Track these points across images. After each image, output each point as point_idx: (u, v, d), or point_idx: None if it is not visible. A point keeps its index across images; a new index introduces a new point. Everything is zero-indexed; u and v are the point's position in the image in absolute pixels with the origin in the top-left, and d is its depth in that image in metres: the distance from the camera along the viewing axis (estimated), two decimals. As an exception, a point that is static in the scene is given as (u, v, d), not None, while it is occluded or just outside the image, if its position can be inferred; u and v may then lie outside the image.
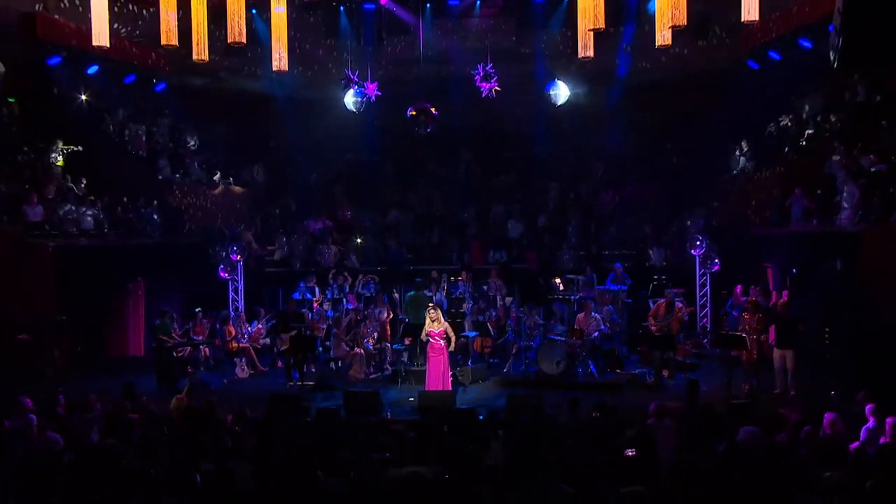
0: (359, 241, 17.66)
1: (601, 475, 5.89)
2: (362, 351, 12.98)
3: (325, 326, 13.74)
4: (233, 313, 14.19)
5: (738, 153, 16.54)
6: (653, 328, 12.50)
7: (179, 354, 12.97)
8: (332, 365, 13.84)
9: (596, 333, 12.77)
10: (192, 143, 17.72)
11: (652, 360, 12.35)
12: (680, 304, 12.81)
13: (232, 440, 7.44)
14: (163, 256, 15.09)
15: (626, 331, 13.63)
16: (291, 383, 12.54)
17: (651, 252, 16.56)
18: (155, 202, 15.66)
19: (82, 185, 14.36)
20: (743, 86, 15.62)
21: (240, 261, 15.70)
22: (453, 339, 11.18)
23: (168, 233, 15.66)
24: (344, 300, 14.64)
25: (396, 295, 15.13)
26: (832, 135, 14.05)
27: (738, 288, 13.75)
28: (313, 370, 13.41)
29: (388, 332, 13.92)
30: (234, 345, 13.48)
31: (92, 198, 14.27)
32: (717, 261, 14.85)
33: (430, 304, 11.92)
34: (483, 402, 11.06)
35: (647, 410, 8.04)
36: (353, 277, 15.41)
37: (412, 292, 13.61)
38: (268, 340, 14.11)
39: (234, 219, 17.73)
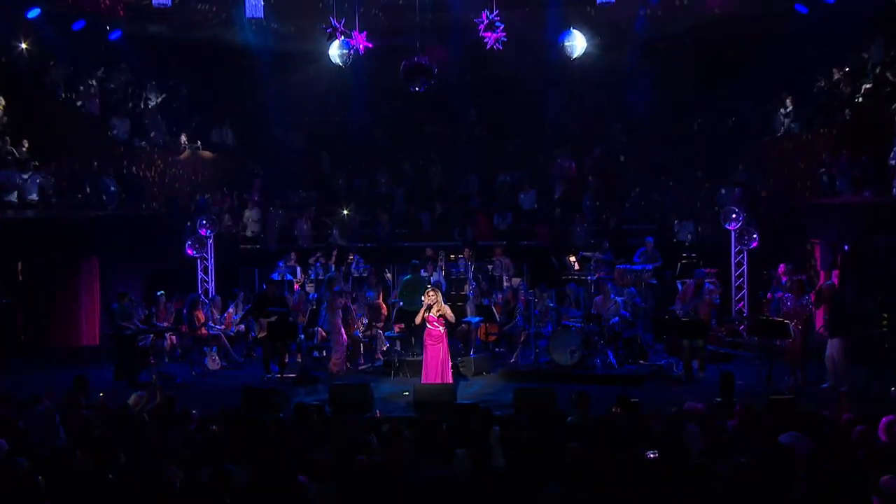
0: (345, 213, 17.61)
1: (619, 479, 5.90)
2: (346, 338, 13.00)
3: (307, 311, 13.74)
4: (203, 296, 14.16)
5: (781, 112, 16.42)
6: (680, 313, 12.50)
7: (141, 343, 12.97)
8: (317, 353, 13.89)
9: (616, 319, 12.76)
10: (153, 100, 17.56)
11: (680, 350, 12.35)
12: (711, 286, 12.79)
13: (203, 441, 7.43)
14: (120, 231, 15.02)
15: (651, 316, 13.63)
16: (269, 376, 12.56)
17: (679, 226, 16.52)
18: (110, 168, 15.55)
19: (23, 149, 14.08)
20: (788, 34, 15.35)
21: (210, 236, 15.66)
22: (452, 318, 11.19)
23: (126, 204, 15.58)
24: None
25: (388, 275, 15.11)
26: (895, 90, 13.85)
27: (781, 267, 13.73)
28: (298, 360, 13.46)
29: (384, 317, 13.93)
30: (204, 332, 13.48)
31: (36, 163, 13.99)
32: (755, 236, 14.80)
33: (429, 286, 11.90)
34: (487, 396, 11.12)
35: (674, 406, 8.01)
36: (338, 256, 15.38)
37: (408, 275, 13.56)
38: (242, 327, 14.13)
39: (203, 188, 17.67)
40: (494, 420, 8.01)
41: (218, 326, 13.80)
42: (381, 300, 14.25)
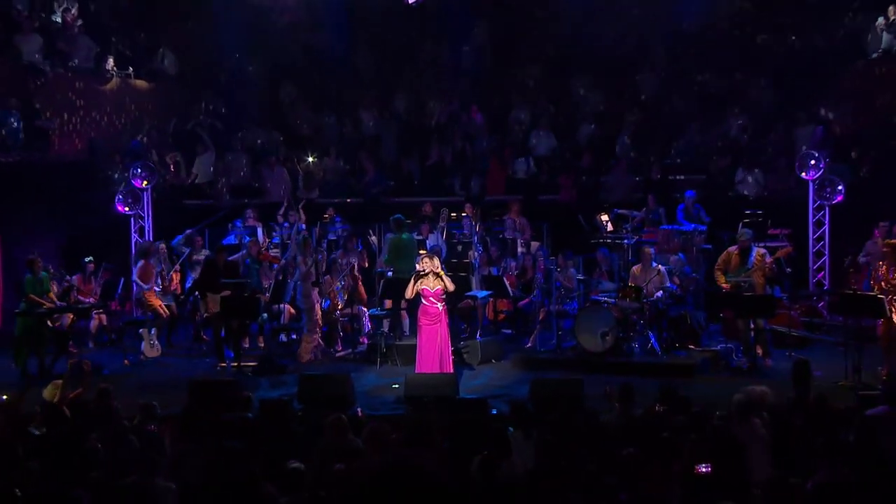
0: (310, 160, 17.58)
1: (664, 496, 5.86)
2: (319, 318, 12.99)
3: (271, 284, 13.73)
4: (140, 263, 14.05)
5: (878, 26, 16.21)
6: (723, 285, 12.47)
7: (57, 324, 12.94)
8: (283, 337, 13.87)
9: (659, 293, 12.74)
10: (71, 11, 17.35)
11: (739, 332, 12.32)
12: (762, 250, 12.69)
13: (138, 446, 7.44)
14: (28, 181, 14.92)
15: (704, 289, 13.60)
16: (224, 364, 12.61)
17: (741, 175, 16.47)
18: (12, 100, 15.42)
19: None
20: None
21: (146, 188, 15.62)
22: (453, 288, 11.17)
23: (35, 146, 15.48)
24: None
25: (374, 238, 15.11)
26: None
27: (879, 229, 13.64)
28: (260, 345, 13.46)
29: (363, 291, 13.98)
30: (156, 302, 13.47)
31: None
32: (840, 188, 14.73)
33: (423, 252, 11.87)
34: (497, 389, 11.18)
35: (734, 402, 8.01)
36: (311, 213, 15.38)
37: (398, 234, 13.50)
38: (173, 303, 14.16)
39: (137, 127, 17.58)
40: (507, 419, 8.05)
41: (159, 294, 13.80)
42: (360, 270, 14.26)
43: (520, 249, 15.31)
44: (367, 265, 14.44)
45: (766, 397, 7.97)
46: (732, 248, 12.58)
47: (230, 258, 13.72)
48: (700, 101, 18.12)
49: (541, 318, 13.51)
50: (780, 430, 7.59)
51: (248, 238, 14.64)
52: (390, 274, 13.53)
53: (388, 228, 14.39)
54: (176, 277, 14.43)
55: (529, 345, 13.39)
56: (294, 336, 13.58)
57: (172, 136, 18.17)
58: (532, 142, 18.11)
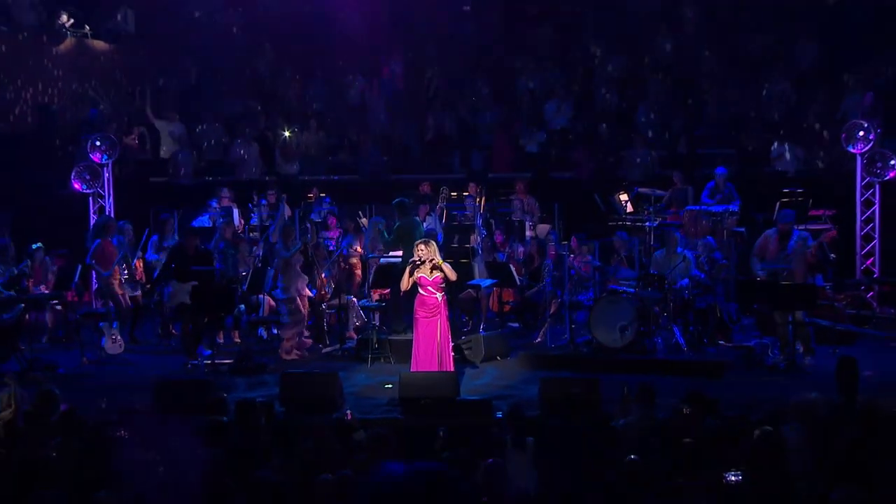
0: (286, 134, 17.60)
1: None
2: (306, 310, 12.99)
3: (248, 271, 13.73)
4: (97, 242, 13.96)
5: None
6: (758, 273, 12.43)
7: (7, 317, 12.89)
8: (263, 331, 13.90)
9: (685, 282, 12.76)
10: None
11: (776, 326, 12.32)
12: (804, 234, 12.66)
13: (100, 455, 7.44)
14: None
15: (736, 278, 13.60)
16: (196, 362, 12.61)
17: (779, 150, 16.41)
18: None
19: None
20: None
21: (107, 163, 15.63)
22: (453, 276, 11.17)
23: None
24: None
25: (364, 221, 15.12)
26: None
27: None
28: (236, 341, 13.49)
29: (357, 279, 13.88)
30: (119, 291, 13.47)
31: None
32: (893, 163, 14.71)
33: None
34: (502, 390, 11.25)
35: (771, 406, 8.01)
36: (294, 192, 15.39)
37: (408, 218, 13.45)
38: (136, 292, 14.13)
39: (95, 94, 17.54)
40: (522, 423, 8.05)
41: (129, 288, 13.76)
42: (357, 256, 14.33)
43: (528, 233, 15.33)
44: (358, 252, 14.50)
45: (816, 408, 7.91)
46: (770, 232, 12.53)
47: (207, 245, 13.68)
48: (733, 64, 18.07)
49: (551, 310, 13.52)
50: (823, 439, 7.54)
51: (222, 220, 14.64)
52: (383, 260, 13.54)
53: (383, 209, 14.38)
54: (140, 265, 14.38)
55: (539, 340, 13.43)
56: (275, 331, 13.58)
57: (136, 104, 18.13)
58: (543, 112, 18.05)
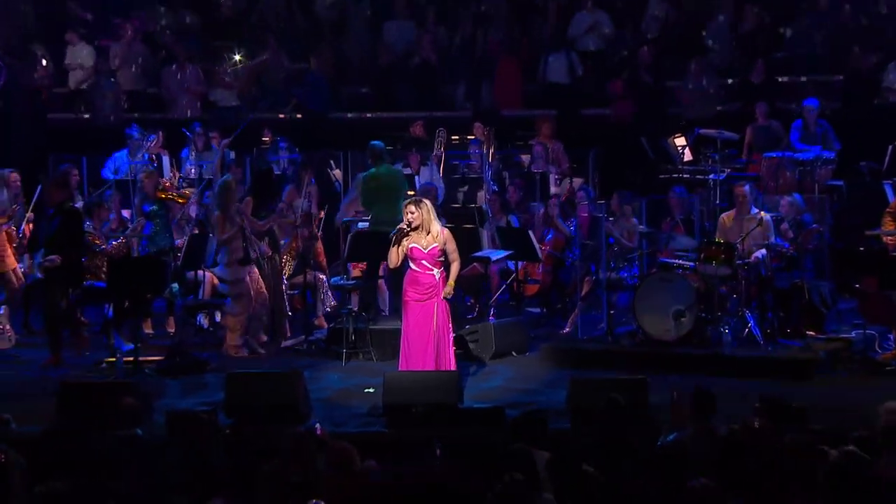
0: (237, 58, 17.65)
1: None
2: (260, 291, 13.05)
3: (184, 240, 13.74)
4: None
5: None
6: (888, 241, 12.49)
7: None
8: (203, 319, 13.98)
9: (762, 253, 12.80)
10: None
11: (887, 312, 12.35)
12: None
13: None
14: None
15: (831, 248, 13.66)
16: (114, 359, 12.66)
17: (891, 73, 16.48)
18: None
19: None
20: None
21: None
22: (455, 253, 11.24)
23: None
24: None
25: (336, 173, 15.19)
26: None
27: None
28: (169, 332, 13.55)
29: (322, 252, 13.95)
30: (10, 265, 13.50)
31: None
32: None
33: (412, 196, 11.86)
34: (520, 395, 11.29)
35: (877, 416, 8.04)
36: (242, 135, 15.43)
37: (377, 168, 13.53)
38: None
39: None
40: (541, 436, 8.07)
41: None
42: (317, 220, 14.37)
43: (553, 189, 15.37)
44: (323, 215, 14.56)
45: None
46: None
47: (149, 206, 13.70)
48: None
49: (584, 290, 13.57)
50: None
51: (141, 164, 14.67)
52: (361, 225, 13.58)
53: (359, 162, 14.44)
54: (29, 230, 14.32)
55: (568, 329, 13.54)
56: (219, 318, 13.66)
57: (33, 18, 18.10)
58: (571, 30, 18.07)
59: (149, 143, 15.56)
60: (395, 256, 11.03)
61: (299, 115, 17.33)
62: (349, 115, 17.50)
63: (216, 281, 13.54)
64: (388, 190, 13.10)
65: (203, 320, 14.06)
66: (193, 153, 15.59)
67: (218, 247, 13.03)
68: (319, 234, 14.29)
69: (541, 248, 13.88)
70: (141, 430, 8.58)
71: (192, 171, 15.52)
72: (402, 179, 13.46)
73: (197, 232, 13.93)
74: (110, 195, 14.68)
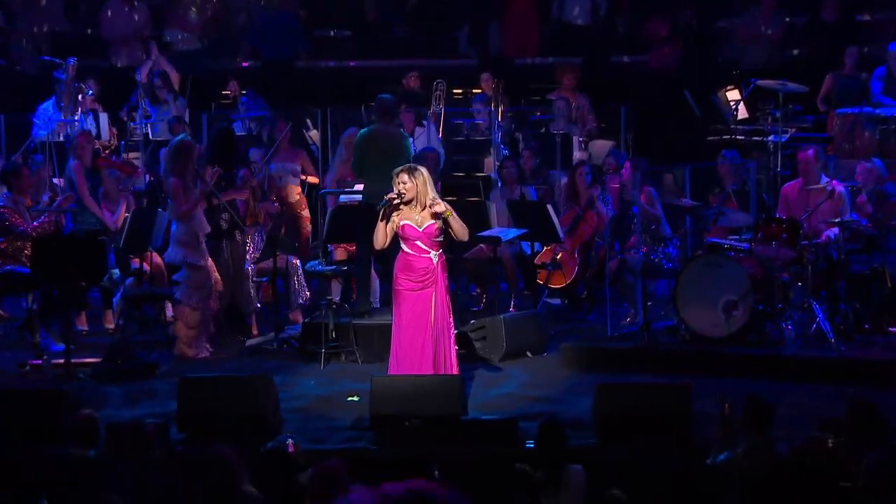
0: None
1: None
2: (217, 278, 13.05)
3: (126, 218, 13.73)
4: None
5: None
6: None
7: None
8: (151, 310, 14.00)
9: (832, 233, 12.80)
10: None
11: None
12: None
13: None
14: None
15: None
16: (40, 362, 12.62)
17: None
18: None
19: None
20: None
21: None
22: (462, 229, 11.13)
23: None
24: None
25: (313, 134, 15.16)
26: None
27: None
28: (108, 328, 13.58)
29: (306, 231, 14.08)
30: None
31: None
32: None
33: (406, 166, 11.77)
34: (536, 403, 11.36)
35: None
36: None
37: (385, 125, 13.50)
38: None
39: None
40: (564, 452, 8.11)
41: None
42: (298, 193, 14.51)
43: (576, 154, 15.35)
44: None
45: None
46: None
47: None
48: None
49: (612, 277, 13.60)
50: None
51: (72, 129, 14.60)
52: (344, 199, 13.59)
53: (342, 119, 14.40)
54: None
55: (591, 318, 13.68)
56: (170, 312, 13.59)
57: None
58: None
59: (85, 95, 15.49)
60: (382, 234, 10.94)
61: (262, 63, 17.30)
62: (331, 63, 17.38)
63: (163, 266, 13.51)
64: (390, 156, 12.95)
65: (151, 311, 14.02)
66: (140, 110, 15.44)
67: (172, 224, 12.97)
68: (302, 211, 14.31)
69: (559, 223, 13.82)
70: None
71: (138, 130, 15.38)
72: (408, 147, 13.38)
73: (144, 206, 13.86)
74: (41, 161, 14.59)
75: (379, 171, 12.69)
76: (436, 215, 10.80)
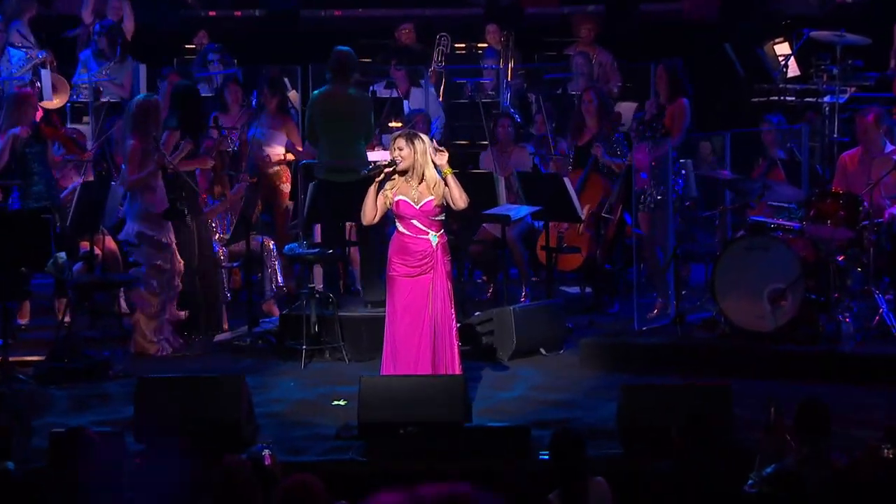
0: None
1: None
2: (179, 264, 13.17)
3: (75, 190, 13.86)
4: None
5: None
6: None
7: None
8: (103, 297, 14.05)
9: (896, 209, 12.88)
10: None
11: None
12: None
13: None
14: None
15: None
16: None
17: None
18: None
19: None
20: None
21: None
22: (462, 198, 11.21)
23: None
24: None
25: (293, 94, 15.28)
26: None
27: None
28: (64, 322, 13.51)
29: (286, 209, 14.20)
30: None
31: None
32: None
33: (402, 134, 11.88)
34: (552, 408, 11.48)
35: None
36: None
37: (340, 86, 13.57)
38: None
39: None
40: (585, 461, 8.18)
41: None
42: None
43: (592, 117, 15.37)
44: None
45: None
46: None
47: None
48: None
49: (641, 263, 13.72)
50: None
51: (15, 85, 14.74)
52: (321, 177, 13.61)
53: (320, 75, 14.54)
54: None
55: (615, 311, 13.90)
56: (124, 302, 13.75)
57: None
58: None
59: (36, 54, 15.64)
60: (371, 207, 10.92)
61: (237, 12, 17.40)
62: (320, 12, 17.49)
63: (117, 251, 13.61)
64: (343, 121, 13.10)
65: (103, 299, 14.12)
66: (103, 71, 15.57)
67: (127, 195, 13.11)
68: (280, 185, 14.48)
69: (578, 201, 13.88)
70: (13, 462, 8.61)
71: (85, 92, 15.52)
72: (366, 112, 13.42)
73: (95, 181, 13.97)
74: None
75: (329, 138, 12.85)
76: (427, 179, 10.77)
